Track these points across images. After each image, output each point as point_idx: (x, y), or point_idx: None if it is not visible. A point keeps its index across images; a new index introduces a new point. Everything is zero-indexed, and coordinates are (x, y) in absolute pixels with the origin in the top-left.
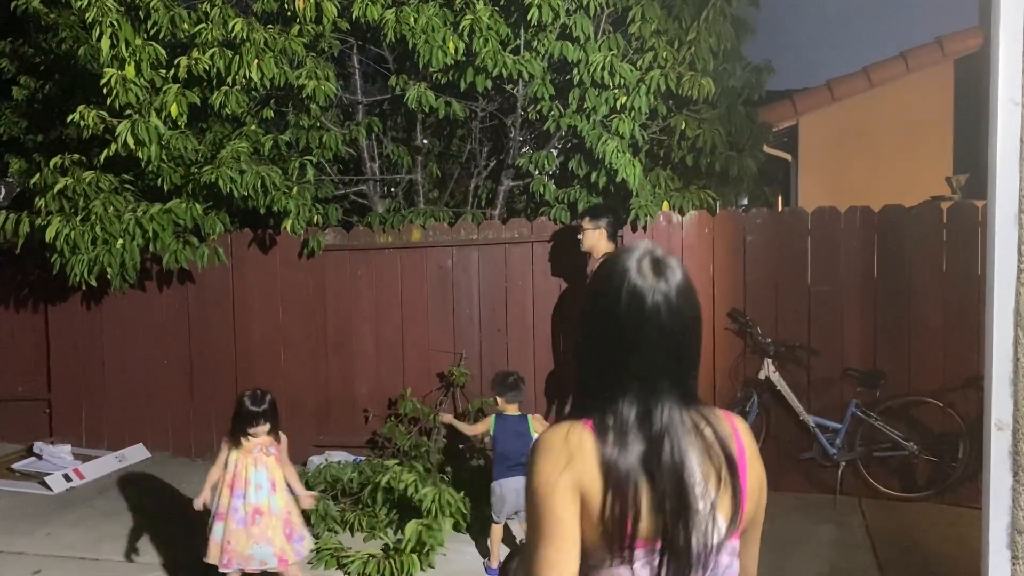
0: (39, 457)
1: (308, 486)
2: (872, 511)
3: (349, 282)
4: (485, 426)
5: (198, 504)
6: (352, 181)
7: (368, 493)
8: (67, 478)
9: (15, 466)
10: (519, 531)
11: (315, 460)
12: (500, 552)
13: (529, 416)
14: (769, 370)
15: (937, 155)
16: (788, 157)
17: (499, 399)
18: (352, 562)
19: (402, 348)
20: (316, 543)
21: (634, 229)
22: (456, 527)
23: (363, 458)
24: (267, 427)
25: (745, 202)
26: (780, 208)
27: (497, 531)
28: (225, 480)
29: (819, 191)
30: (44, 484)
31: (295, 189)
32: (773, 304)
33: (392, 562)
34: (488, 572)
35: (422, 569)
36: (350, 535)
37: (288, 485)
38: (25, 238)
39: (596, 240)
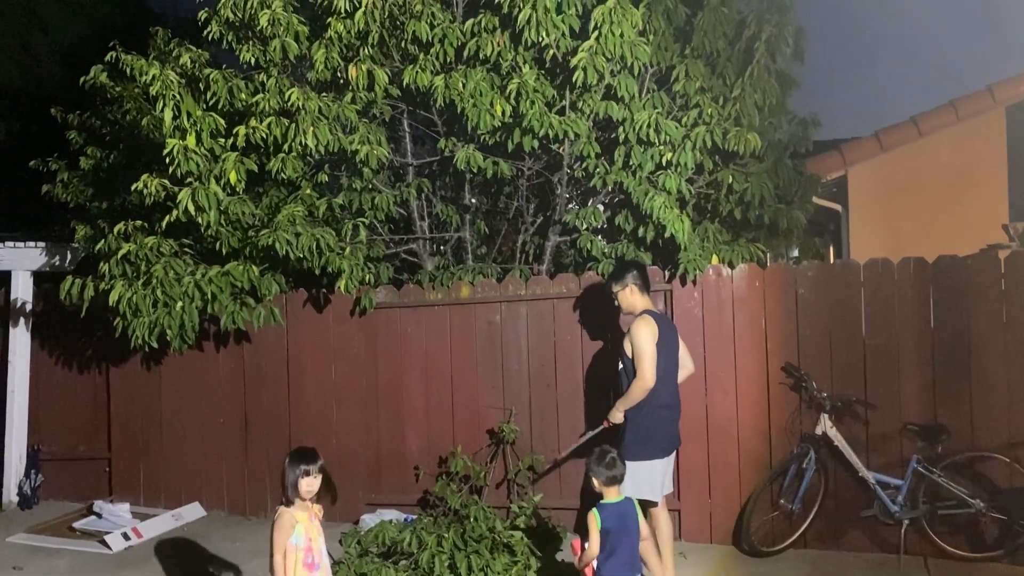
0: (99, 516)
1: (362, 548)
2: (939, 571)
3: (400, 339)
4: (595, 540)
5: None
6: (403, 240)
7: (427, 559)
8: (126, 537)
9: (76, 525)
10: None
11: (367, 519)
12: None
13: (635, 499)
14: (826, 425)
15: (991, 203)
16: (838, 208)
17: (596, 481)
18: None
19: (452, 404)
20: None
21: (683, 283)
22: None
23: (415, 517)
24: (319, 483)
25: (796, 254)
26: (832, 260)
27: None
28: (298, 559)
29: (871, 241)
30: (104, 543)
31: (348, 250)
32: (827, 357)
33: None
34: None
35: None
36: None
37: None
38: (90, 302)
39: (629, 298)
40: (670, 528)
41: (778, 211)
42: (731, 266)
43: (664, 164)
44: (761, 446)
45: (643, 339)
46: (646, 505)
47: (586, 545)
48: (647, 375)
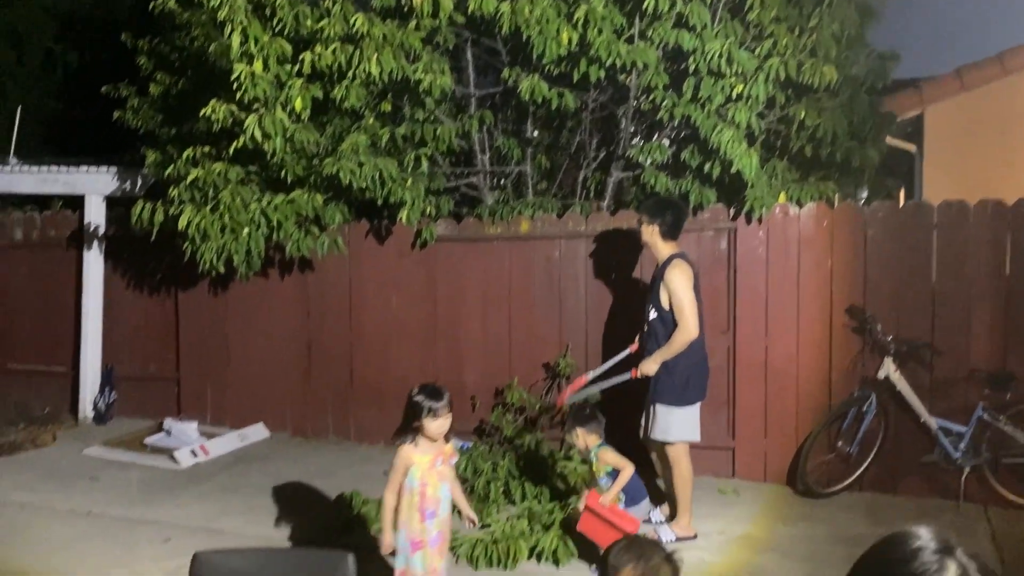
0: (168, 433)
1: None
2: (999, 520)
3: (459, 272)
4: (628, 463)
5: (386, 548)
6: (463, 173)
7: (482, 484)
8: (194, 454)
9: (147, 441)
10: None
11: None
12: None
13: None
14: (889, 369)
15: None
16: (912, 148)
17: (594, 435)
18: (460, 545)
19: (509, 338)
20: None
21: (748, 222)
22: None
23: (470, 444)
24: (448, 423)
25: (865, 195)
26: (902, 201)
27: None
28: (412, 503)
29: (946, 184)
30: (173, 459)
31: (410, 181)
32: (895, 301)
33: (499, 547)
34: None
35: (529, 558)
36: (457, 517)
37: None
38: (159, 226)
39: (652, 237)
40: (690, 470)
41: (851, 149)
42: (799, 205)
43: (735, 97)
44: (820, 389)
45: (682, 287)
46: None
47: (604, 485)
48: (691, 326)
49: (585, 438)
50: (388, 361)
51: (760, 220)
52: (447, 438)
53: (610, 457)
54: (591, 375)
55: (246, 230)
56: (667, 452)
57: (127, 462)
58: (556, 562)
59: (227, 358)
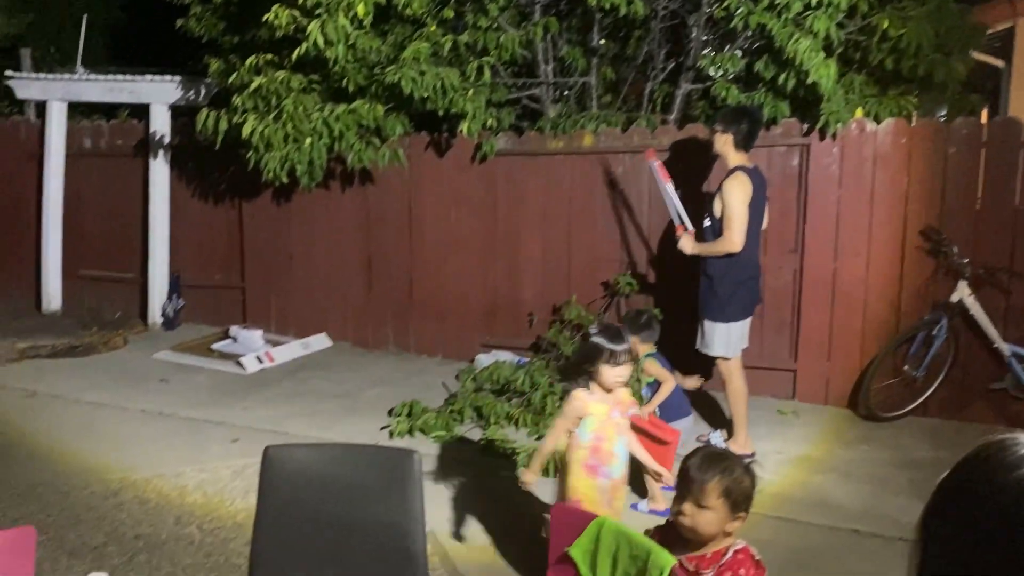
0: (235, 340)
1: (477, 384)
2: None
3: (519, 187)
4: (671, 377)
5: (530, 479)
6: (526, 84)
7: (539, 399)
8: (259, 360)
9: (214, 347)
10: None
11: (482, 359)
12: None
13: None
14: (963, 293)
15: None
16: (1000, 63)
17: (634, 338)
18: (519, 454)
19: (568, 254)
20: (485, 434)
21: (822, 137)
22: None
23: (527, 359)
24: (628, 372)
25: (944, 112)
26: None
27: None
28: (579, 459)
29: None
30: (239, 364)
31: (472, 91)
32: (973, 223)
33: (556, 457)
34: (658, 515)
35: None
36: (515, 429)
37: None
38: (223, 135)
39: (724, 147)
40: (744, 386)
41: (935, 62)
42: (876, 120)
43: (813, 4)
44: (888, 312)
45: (736, 198)
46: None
47: (645, 396)
48: (735, 240)
49: (637, 345)
50: (446, 275)
51: (835, 136)
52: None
53: (654, 369)
54: (670, 192)
55: (308, 140)
56: (719, 367)
57: (195, 366)
58: None
59: (290, 269)
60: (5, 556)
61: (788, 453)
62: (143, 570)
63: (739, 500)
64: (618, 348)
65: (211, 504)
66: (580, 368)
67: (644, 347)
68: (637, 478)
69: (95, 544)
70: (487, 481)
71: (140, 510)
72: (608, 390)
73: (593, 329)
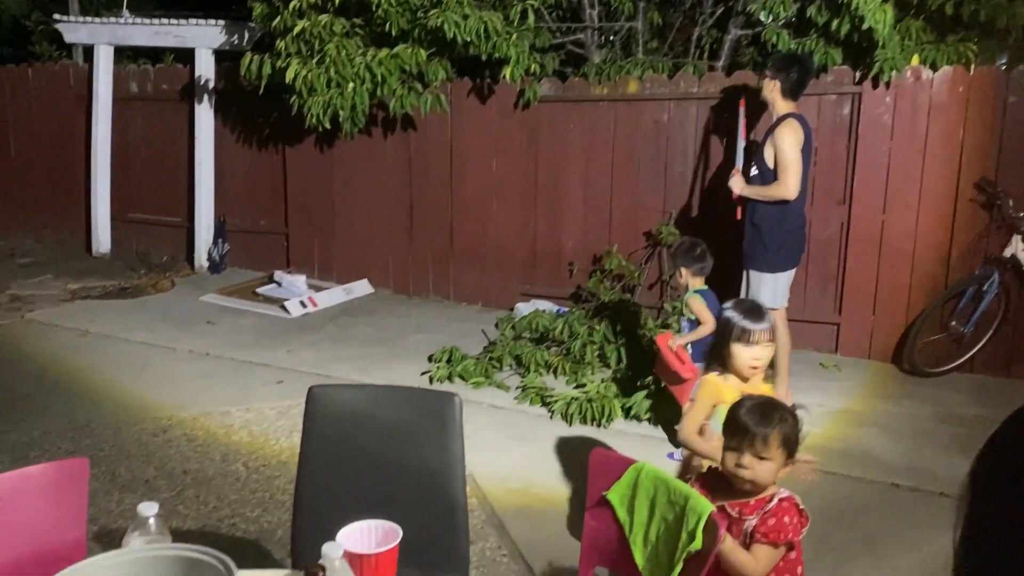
0: (279, 285)
1: (516, 332)
2: None
3: (561, 135)
4: (711, 317)
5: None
6: (570, 29)
7: (578, 347)
8: (303, 304)
9: (258, 290)
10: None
11: (521, 307)
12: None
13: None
14: (1017, 248)
15: None
16: None
17: (685, 271)
18: (556, 401)
19: (610, 204)
20: (523, 381)
21: (875, 85)
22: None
23: (566, 309)
24: (768, 355)
25: (1005, 60)
26: None
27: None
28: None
29: None
30: (284, 308)
31: (515, 36)
32: None
33: (594, 406)
34: (670, 456)
35: (625, 416)
36: (553, 377)
37: None
38: (267, 80)
39: (771, 92)
40: (788, 338)
41: (996, 7)
42: (933, 68)
43: None
44: (937, 266)
45: (789, 144)
46: None
47: (684, 328)
48: (791, 185)
49: (687, 278)
50: (487, 223)
51: (888, 84)
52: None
53: (696, 306)
54: (740, 141)
55: (351, 84)
56: None
57: (240, 309)
58: (650, 421)
59: (332, 215)
60: (60, 486)
61: (829, 406)
62: (191, 504)
63: (794, 448)
64: (753, 326)
65: (256, 443)
66: (717, 350)
67: (694, 280)
68: (668, 432)
69: (145, 478)
70: (524, 427)
71: (188, 447)
72: (743, 378)
73: (728, 304)
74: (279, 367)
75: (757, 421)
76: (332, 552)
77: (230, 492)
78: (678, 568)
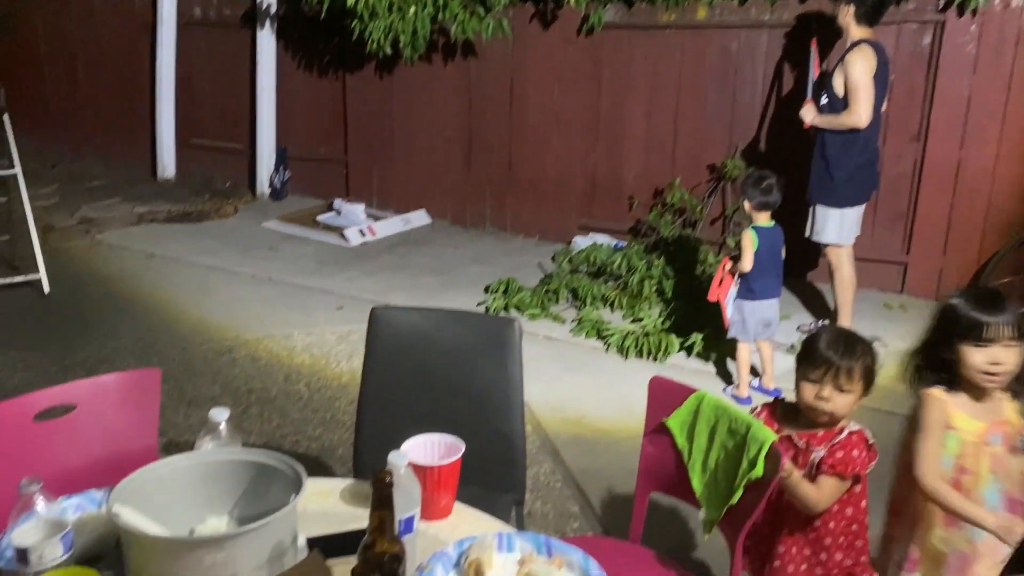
0: (338, 213)
1: (573, 265)
2: None
3: (626, 63)
4: (748, 256)
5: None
6: None
7: (635, 282)
8: (361, 233)
9: (318, 218)
10: (764, 347)
11: (579, 241)
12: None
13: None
14: None
15: None
16: None
17: (748, 204)
18: (611, 334)
19: (674, 135)
20: (579, 314)
21: (960, 13)
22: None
23: (625, 243)
24: (1017, 356)
25: None
26: None
27: (745, 352)
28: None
29: None
30: (343, 236)
31: None
32: None
33: (651, 340)
34: (740, 401)
35: (683, 351)
36: (610, 311)
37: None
38: (328, 4)
39: (845, 18)
40: (853, 276)
41: None
42: None
43: None
44: (1016, 205)
45: (860, 70)
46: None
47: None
48: (862, 113)
49: (750, 210)
50: (547, 154)
51: (975, 12)
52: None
53: (744, 241)
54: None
55: (412, 8)
56: (829, 255)
57: (301, 236)
58: (707, 358)
59: (391, 143)
60: (133, 395)
61: (892, 347)
62: (255, 421)
63: (872, 381)
64: (993, 319)
65: (317, 365)
66: (935, 349)
67: (757, 215)
68: (722, 369)
69: (211, 395)
70: (579, 359)
71: (252, 367)
72: (978, 396)
73: (954, 292)
74: (338, 293)
75: (841, 353)
76: (398, 460)
77: (293, 411)
78: (738, 494)
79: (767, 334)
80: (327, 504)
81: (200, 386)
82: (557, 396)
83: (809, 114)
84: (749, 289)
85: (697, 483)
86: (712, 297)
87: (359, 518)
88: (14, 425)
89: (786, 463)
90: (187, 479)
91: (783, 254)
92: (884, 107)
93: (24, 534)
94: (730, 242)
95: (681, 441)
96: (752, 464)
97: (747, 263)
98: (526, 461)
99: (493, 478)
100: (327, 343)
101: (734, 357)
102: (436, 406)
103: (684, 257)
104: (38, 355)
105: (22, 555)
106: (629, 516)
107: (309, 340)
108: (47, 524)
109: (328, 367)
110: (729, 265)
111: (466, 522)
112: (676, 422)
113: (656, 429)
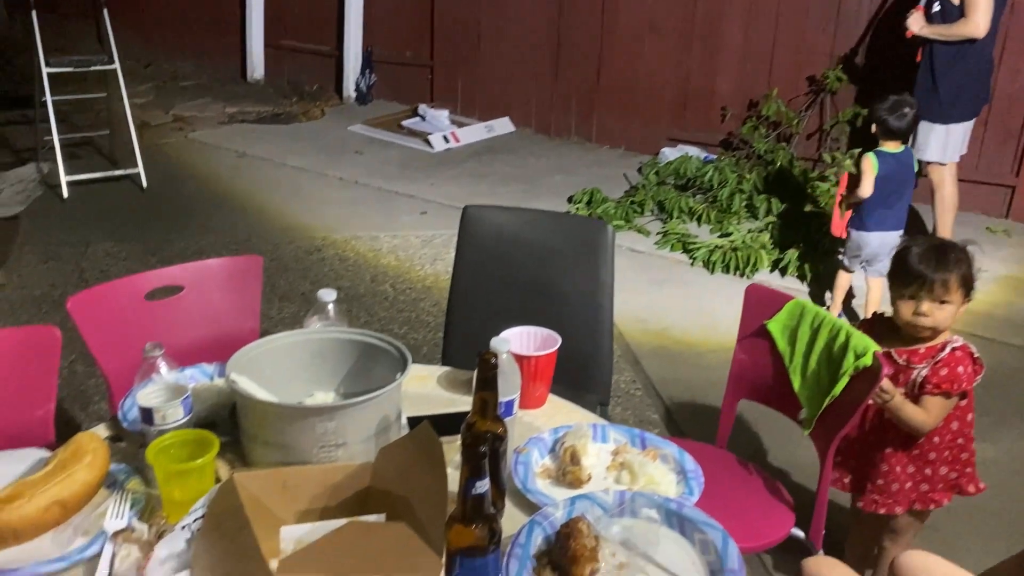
0: (422, 118)
1: (659, 177)
2: None
3: None
4: (868, 183)
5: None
6: None
7: (725, 196)
8: (445, 139)
9: (403, 123)
10: (873, 285)
11: (667, 152)
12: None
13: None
14: None
15: None
16: None
17: (876, 128)
18: (698, 248)
19: (772, 44)
20: (665, 227)
21: None
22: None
23: (714, 156)
24: None
25: None
26: None
27: (844, 280)
28: None
29: None
30: (427, 142)
31: None
32: None
33: (739, 255)
34: None
35: (770, 269)
36: (696, 225)
37: None
38: None
39: None
40: (955, 196)
41: None
42: None
43: None
44: None
45: None
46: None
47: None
48: (980, 23)
49: (878, 134)
50: (637, 62)
51: None
52: None
53: (863, 165)
54: None
55: None
56: (930, 174)
57: (386, 141)
58: (802, 277)
59: (478, 49)
60: (236, 279)
61: (994, 272)
62: (343, 316)
63: (971, 287)
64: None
65: (402, 267)
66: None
67: (884, 141)
68: (816, 290)
69: (302, 291)
70: (663, 272)
71: (340, 266)
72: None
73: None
74: (423, 199)
75: (934, 266)
76: (500, 346)
77: (379, 310)
78: (843, 382)
79: (875, 270)
80: (425, 388)
81: (291, 281)
82: (640, 307)
83: (916, 23)
84: (861, 218)
85: (797, 382)
86: (836, 232)
87: (456, 403)
88: (127, 303)
89: (887, 384)
90: (297, 355)
91: (912, 185)
92: (1004, 17)
93: (149, 395)
94: (826, 158)
95: (782, 344)
96: (859, 355)
97: (865, 189)
98: (613, 362)
99: (579, 379)
100: (411, 246)
101: (832, 281)
102: (525, 306)
103: (777, 172)
104: (138, 246)
105: (147, 415)
106: (709, 426)
107: (394, 243)
108: (169, 387)
109: (412, 269)
110: (844, 195)
111: (560, 412)
112: (777, 326)
113: (751, 335)
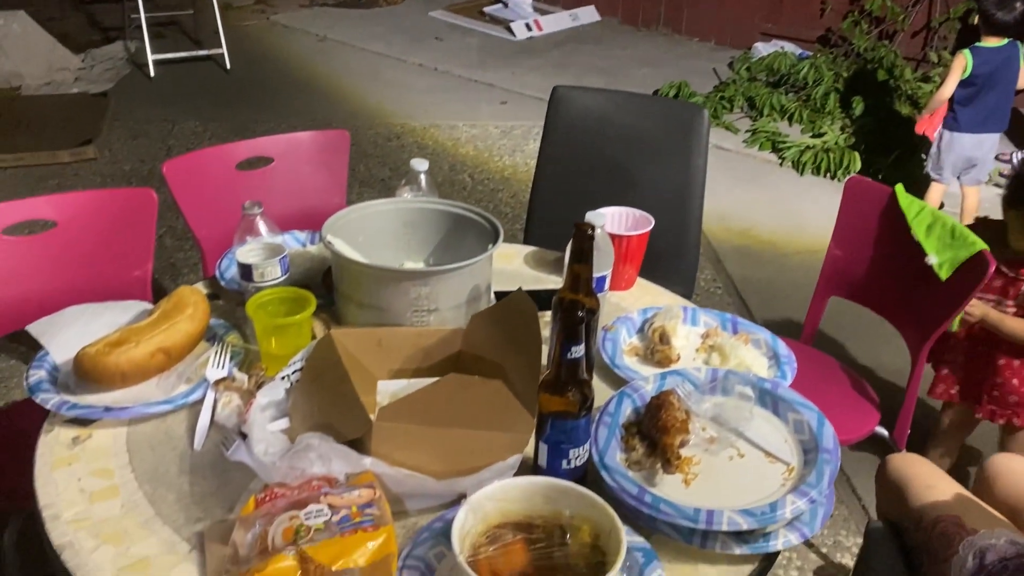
0: (505, 5)
1: (751, 73)
2: None
3: None
4: (951, 82)
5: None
6: None
7: (820, 94)
8: (528, 27)
9: (485, 9)
10: (969, 194)
11: (760, 47)
12: None
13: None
14: None
15: None
16: None
17: (979, 20)
18: (788, 148)
19: None
20: (754, 125)
21: None
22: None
23: (810, 53)
24: None
25: None
26: None
27: (937, 192)
28: None
29: None
30: (509, 30)
31: None
32: None
33: (831, 156)
34: None
35: (865, 172)
36: (787, 124)
37: None
38: None
39: None
40: None
41: None
42: None
43: None
44: None
45: None
46: None
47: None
48: None
49: (980, 24)
50: None
51: None
52: None
53: (954, 63)
54: None
55: None
56: None
57: (467, 27)
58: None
59: None
60: (324, 152)
61: None
62: (434, 187)
63: None
64: None
65: (481, 157)
66: None
67: (986, 36)
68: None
69: (381, 177)
70: (751, 171)
71: (419, 153)
72: None
73: None
74: (503, 88)
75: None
76: (596, 219)
77: (458, 198)
78: (976, 246)
79: (972, 177)
80: (511, 265)
81: (371, 167)
82: (724, 206)
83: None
84: (954, 118)
85: (922, 236)
86: (920, 129)
87: (542, 281)
88: (220, 170)
89: (974, 306)
90: (389, 223)
91: (1014, 83)
92: None
93: (248, 253)
94: (932, 57)
95: (905, 203)
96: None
97: (946, 89)
98: (699, 255)
99: (664, 270)
100: (490, 136)
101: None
102: (611, 192)
103: (878, 71)
104: (222, 126)
105: (246, 272)
106: (791, 328)
107: (473, 132)
108: (267, 246)
109: (491, 160)
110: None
111: (648, 295)
112: (905, 198)
113: (848, 230)
